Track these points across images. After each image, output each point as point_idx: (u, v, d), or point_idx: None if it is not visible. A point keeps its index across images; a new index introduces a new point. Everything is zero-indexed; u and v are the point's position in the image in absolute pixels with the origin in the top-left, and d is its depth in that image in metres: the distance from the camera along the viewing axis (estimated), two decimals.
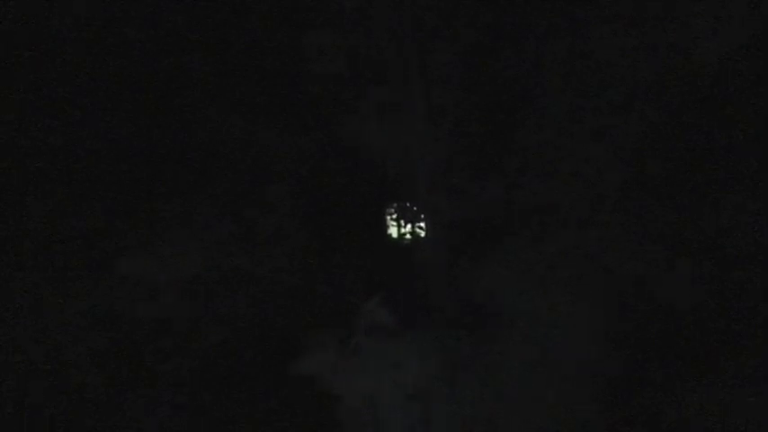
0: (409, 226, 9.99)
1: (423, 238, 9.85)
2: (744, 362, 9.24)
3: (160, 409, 9.85)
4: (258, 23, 10.05)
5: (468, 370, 9.05)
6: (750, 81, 9.47)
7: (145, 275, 9.66)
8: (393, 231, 10.21)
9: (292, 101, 10.17)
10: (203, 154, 10.05)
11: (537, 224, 9.59)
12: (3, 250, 9.97)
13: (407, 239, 10.05)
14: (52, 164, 9.98)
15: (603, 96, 9.59)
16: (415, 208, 9.90)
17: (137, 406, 9.81)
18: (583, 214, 9.53)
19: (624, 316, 9.45)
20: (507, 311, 9.20)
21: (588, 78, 9.58)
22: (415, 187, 9.63)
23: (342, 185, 10.30)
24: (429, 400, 8.75)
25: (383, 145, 9.64)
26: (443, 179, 9.69)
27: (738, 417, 9.13)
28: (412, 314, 9.23)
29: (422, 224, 9.83)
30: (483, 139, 9.82)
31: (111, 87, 9.95)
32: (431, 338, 8.93)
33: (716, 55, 9.26)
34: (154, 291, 9.74)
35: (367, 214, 10.30)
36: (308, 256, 10.06)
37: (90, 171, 10.03)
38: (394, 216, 10.17)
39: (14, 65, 10.08)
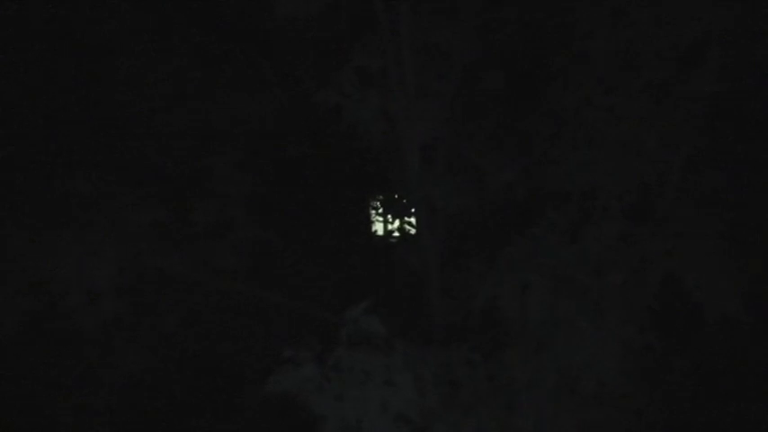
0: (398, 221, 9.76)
1: (413, 235, 9.41)
2: None
3: None
4: None
5: (470, 390, 8.51)
6: None
7: (37, 280, 8.84)
8: (379, 227, 10.08)
9: (246, 43, 9.55)
10: (118, 113, 9.22)
11: (570, 214, 8.71)
12: None
13: (396, 237, 9.85)
14: None
15: (666, 39, 8.52)
16: (405, 201, 9.49)
17: None
18: (632, 202, 8.69)
19: (680, 338, 8.99)
20: (521, 324, 8.56)
21: (646, 15, 8.53)
22: (405, 168, 8.79)
23: (310, 162, 9.87)
24: (423, 423, 8.25)
25: (365, 108, 8.83)
26: (443, 157, 8.89)
27: None
28: (405, 324, 9.07)
29: (412, 219, 9.47)
30: (499, 99, 9.06)
31: None
32: (426, 352, 8.41)
33: None
34: (50, 301, 8.92)
35: (343, 202, 9.99)
36: (262, 253, 9.55)
37: None
38: (380, 209, 9.90)
39: None
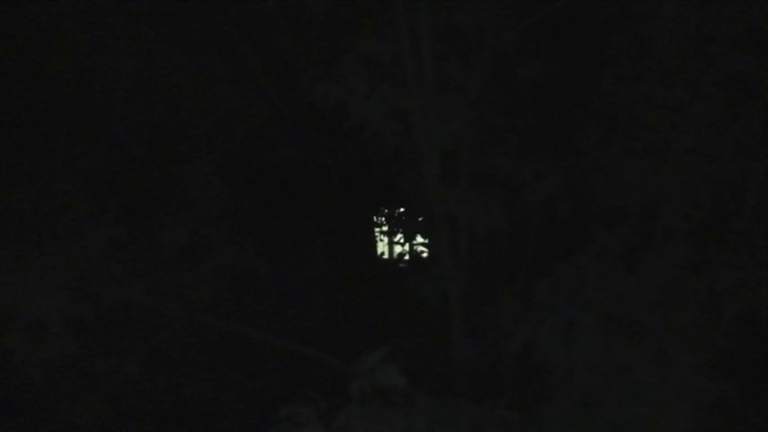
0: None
1: (430, 260, 8.90)
2: None
3: None
4: None
5: None
6: None
7: None
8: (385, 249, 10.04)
9: (226, 26, 8.97)
10: (68, 109, 8.62)
11: (625, 237, 8.01)
12: None
13: (407, 262, 9.45)
14: None
15: (746, 22, 7.74)
16: (420, 218, 8.97)
17: None
18: (702, 222, 8.13)
19: (761, 389, 8.19)
20: (566, 373, 7.93)
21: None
22: (422, 178, 8.15)
23: (304, 171, 9.32)
24: None
25: (374, 104, 8.14)
26: (468, 164, 8.25)
27: None
28: (421, 371, 8.65)
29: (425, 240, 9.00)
30: (538, 94, 8.44)
31: None
32: (453, 409, 7.73)
33: None
34: None
35: (344, 220, 9.45)
36: (245, 281, 8.93)
37: None
38: (384, 227, 9.57)
39: None
